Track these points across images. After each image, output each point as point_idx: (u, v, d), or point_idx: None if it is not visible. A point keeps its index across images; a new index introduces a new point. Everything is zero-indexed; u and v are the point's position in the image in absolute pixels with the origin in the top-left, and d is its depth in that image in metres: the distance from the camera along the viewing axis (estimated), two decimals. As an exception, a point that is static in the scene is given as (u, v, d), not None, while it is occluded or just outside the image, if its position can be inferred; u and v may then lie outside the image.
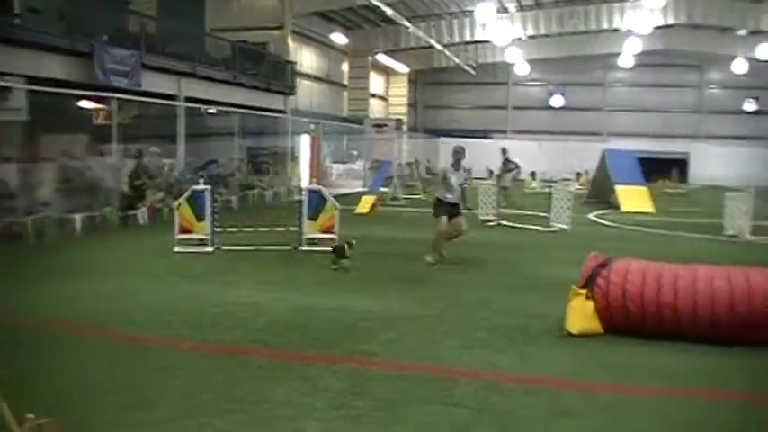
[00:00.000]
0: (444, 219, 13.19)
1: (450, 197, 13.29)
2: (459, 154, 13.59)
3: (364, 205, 23.73)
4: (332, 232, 14.52)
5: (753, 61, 51.46)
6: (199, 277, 11.40)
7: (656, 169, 47.12)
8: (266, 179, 30.21)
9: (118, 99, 19.36)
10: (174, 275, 11.53)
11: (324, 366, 6.75)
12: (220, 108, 27.14)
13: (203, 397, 5.90)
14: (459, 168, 13.50)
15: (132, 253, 14.11)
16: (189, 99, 25.57)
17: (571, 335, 7.90)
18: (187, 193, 14.54)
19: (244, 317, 8.72)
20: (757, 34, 47.80)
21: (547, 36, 51.08)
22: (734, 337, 7.61)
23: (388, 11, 36.40)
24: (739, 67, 52.95)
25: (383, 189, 27.84)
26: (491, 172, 47.34)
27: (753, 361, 7.24)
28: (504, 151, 27.97)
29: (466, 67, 53.01)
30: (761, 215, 19.55)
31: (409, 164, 43.49)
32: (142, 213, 19.15)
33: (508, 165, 27.74)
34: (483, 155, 52.34)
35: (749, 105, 59.14)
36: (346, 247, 12.31)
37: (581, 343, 7.70)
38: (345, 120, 47.04)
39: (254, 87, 31.68)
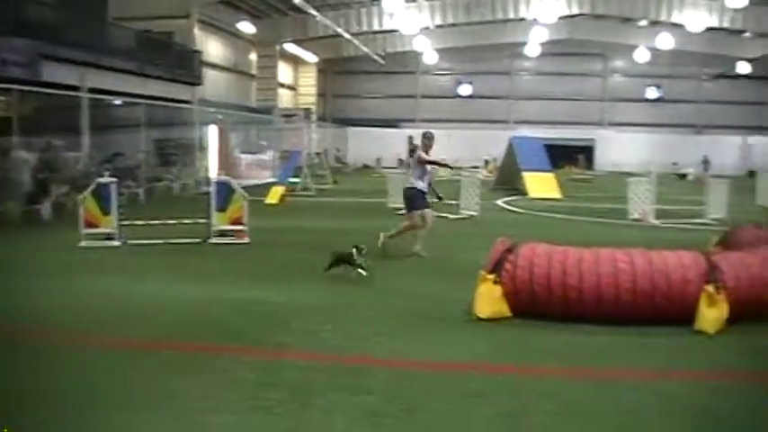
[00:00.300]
0: (426, 212, 12.83)
1: (421, 185, 12.80)
2: (431, 140, 13.15)
3: (274, 196, 23.65)
4: (241, 223, 14.41)
5: (654, 50, 53.20)
6: (106, 272, 11.17)
7: (563, 156, 48.30)
8: (174, 171, 29.76)
9: (18, 90, 18.78)
10: (80, 271, 11.28)
11: (235, 358, 6.71)
12: (125, 99, 26.57)
13: (113, 393, 5.80)
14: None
15: (36, 249, 13.74)
16: (93, 90, 24.91)
17: (480, 319, 8.03)
18: (92, 187, 14.18)
19: (153, 311, 8.59)
20: (657, 25, 49.40)
21: (454, 25, 51.57)
22: (637, 317, 7.89)
23: (296, -1, 36.22)
24: (641, 56, 54.55)
25: (293, 179, 27.74)
26: (401, 161, 47.74)
27: (656, 339, 7.51)
28: (411, 139, 28.26)
29: (375, 57, 53.19)
30: (663, 199, 20.20)
31: (318, 153, 43.41)
32: (46, 208, 18.62)
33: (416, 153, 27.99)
34: (392, 144, 52.89)
35: (651, 93, 61.24)
36: (355, 252, 10.63)
37: (490, 327, 7.84)
38: (254, 110, 46.64)
39: (160, 78, 31.17)
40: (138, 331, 7.73)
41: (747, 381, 6.43)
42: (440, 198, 13.94)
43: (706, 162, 49.76)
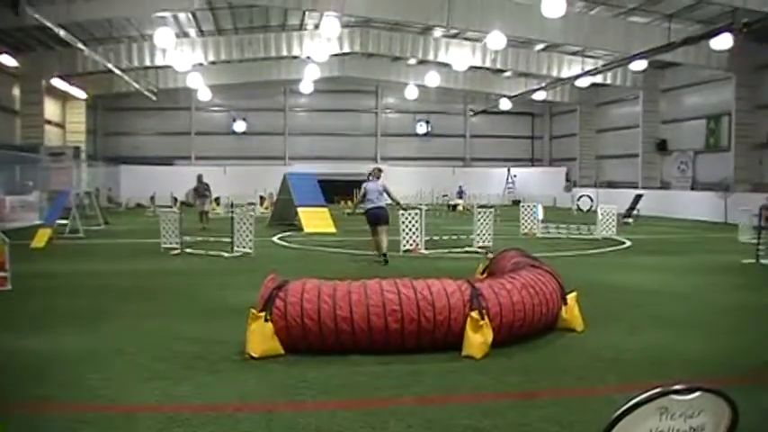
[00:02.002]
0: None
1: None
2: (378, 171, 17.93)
3: (41, 239, 22.41)
4: (2, 270, 13.52)
5: (422, 88, 55.55)
6: None
7: (339, 191, 49.25)
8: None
9: None
10: None
11: (-12, 415, 6.24)
12: None
13: None
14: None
15: None
16: None
17: (253, 358, 7.96)
18: None
19: None
20: (425, 63, 51.61)
21: (228, 62, 51.32)
22: (407, 345, 8.14)
23: (62, 32, 34.64)
24: (411, 92, 56.68)
25: (61, 221, 26.43)
26: (175, 199, 46.76)
27: (425, 366, 7.73)
28: (200, 177, 28.05)
29: (147, 93, 51.85)
30: (435, 230, 20.90)
31: (88, 193, 41.67)
32: None
33: (204, 190, 27.82)
34: (167, 182, 51.73)
35: (421, 128, 63.98)
36: None
37: (262, 365, 7.77)
38: (19, 148, 44.05)
39: None
40: None
41: (515, 399, 6.74)
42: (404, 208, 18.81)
43: (461, 192, 53.03)
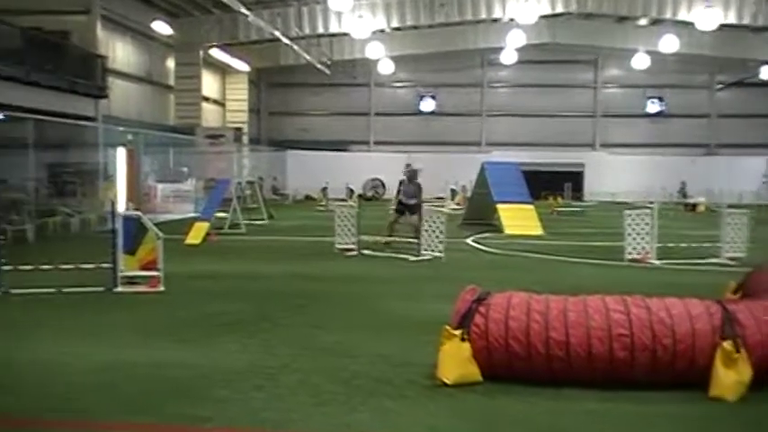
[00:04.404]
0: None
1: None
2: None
3: (196, 234, 23.41)
4: (154, 268, 14.21)
5: (655, 55, 53.45)
6: (-21, 330, 10.92)
7: (546, 184, 48.78)
8: (72, 203, 29.40)
9: None
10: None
11: (139, 437, 6.55)
12: (9, 113, 26.14)
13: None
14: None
15: None
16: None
17: (445, 384, 7.93)
18: (-35, 223, 13.97)
19: (35, 379, 8.35)
20: (660, 24, 49.73)
21: (415, 28, 51.83)
22: (635, 378, 7.86)
23: (222, -6, 36.03)
24: (640, 62, 54.92)
25: (219, 214, 27.52)
26: (351, 191, 47.79)
27: (658, 408, 7.45)
28: (408, 166, 28.72)
29: (319, 66, 52.95)
30: (668, 235, 20.31)
31: (251, 183, 43.26)
32: None
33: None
34: (341, 170, 52.83)
35: (652, 107, 61.48)
36: None
37: (455, 394, 7.74)
38: (172, 129, 46.25)
39: (54, 88, 30.76)
40: (16, 406, 7.48)
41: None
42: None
43: (683, 188, 50.80)
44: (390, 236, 22.38)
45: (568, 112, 61.89)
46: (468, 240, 24.72)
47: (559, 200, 46.51)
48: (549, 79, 61.29)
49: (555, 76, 61.27)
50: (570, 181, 55.72)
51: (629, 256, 19.36)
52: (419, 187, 22.94)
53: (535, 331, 7.92)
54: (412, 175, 23.36)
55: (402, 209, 22.59)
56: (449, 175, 49.51)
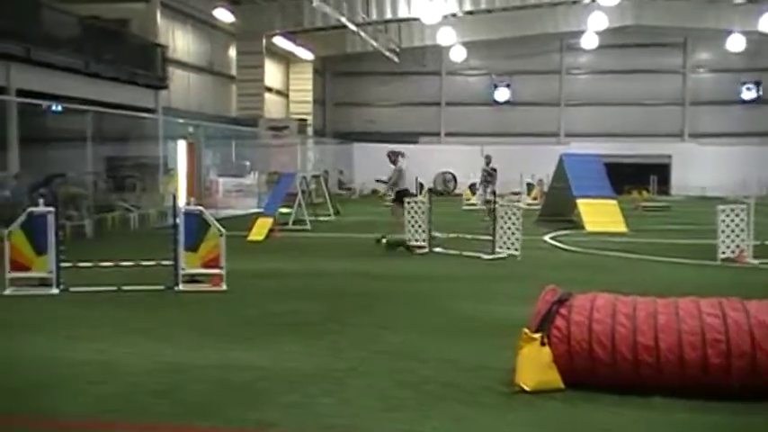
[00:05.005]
0: None
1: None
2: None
3: (259, 230, 23.60)
4: (216, 266, 14.30)
5: (752, 36, 52.26)
6: (38, 329, 11.06)
7: (630, 178, 48.24)
8: (131, 198, 29.76)
9: None
10: (4, 328, 11.16)
11: (201, 443, 6.57)
12: (67, 105, 26.51)
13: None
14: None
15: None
16: (23, 93, 24.90)
17: (524, 391, 7.85)
18: (22, 218, 14.10)
19: (95, 379, 8.44)
20: (759, 1, 48.62)
21: (488, 11, 51.69)
22: (732, 387, 7.66)
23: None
24: (735, 44, 53.72)
25: (283, 210, 27.69)
26: (421, 186, 47.67)
27: (759, 419, 7.30)
28: (488, 159, 28.69)
29: (387, 53, 53.06)
30: (765, 233, 19.94)
31: (316, 176, 43.42)
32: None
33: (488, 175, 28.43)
34: (412, 164, 52.74)
35: (747, 93, 60.01)
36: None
37: (534, 401, 7.65)
38: (234, 121, 46.66)
39: (114, 78, 31.23)
40: (74, 406, 7.56)
41: None
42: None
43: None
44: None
45: (654, 100, 60.92)
46: (546, 238, 24.57)
47: (644, 194, 45.95)
48: (632, 65, 60.31)
49: (639, 61, 60.25)
50: (656, 174, 54.91)
51: (723, 256, 18.99)
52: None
53: (621, 335, 7.80)
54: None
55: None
56: (525, 168, 49.17)
